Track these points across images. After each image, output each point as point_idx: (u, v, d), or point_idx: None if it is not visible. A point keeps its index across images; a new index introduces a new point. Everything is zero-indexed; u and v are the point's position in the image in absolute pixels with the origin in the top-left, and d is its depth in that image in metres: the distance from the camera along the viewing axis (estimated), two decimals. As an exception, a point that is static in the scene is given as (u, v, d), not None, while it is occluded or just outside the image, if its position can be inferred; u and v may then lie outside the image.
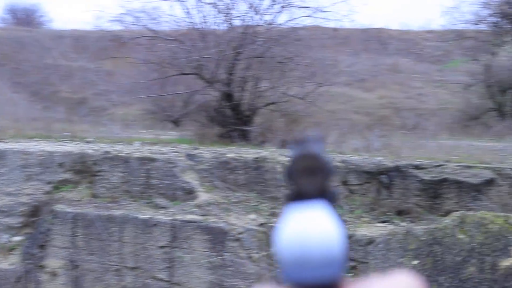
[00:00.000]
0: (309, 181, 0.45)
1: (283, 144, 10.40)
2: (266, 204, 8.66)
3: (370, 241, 7.48)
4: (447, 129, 16.59)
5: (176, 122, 17.16)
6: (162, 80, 12.93)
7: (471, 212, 5.19)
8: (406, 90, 22.66)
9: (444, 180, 7.97)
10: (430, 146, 11.40)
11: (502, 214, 5.09)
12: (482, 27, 20.16)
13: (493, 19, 19.55)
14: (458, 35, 20.92)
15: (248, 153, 9.35)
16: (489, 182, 7.79)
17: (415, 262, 5.07)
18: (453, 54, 23.87)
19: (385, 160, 9.08)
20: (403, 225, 7.97)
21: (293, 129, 11.83)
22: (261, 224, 8.28)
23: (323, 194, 0.45)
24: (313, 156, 0.46)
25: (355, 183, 8.90)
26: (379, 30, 27.38)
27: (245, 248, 7.97)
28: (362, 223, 8.21)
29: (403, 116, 20.22)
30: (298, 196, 0.45)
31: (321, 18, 11.69)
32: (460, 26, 20.83)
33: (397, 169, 8.55)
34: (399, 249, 5.22)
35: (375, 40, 26.95)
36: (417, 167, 8.38)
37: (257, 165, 8.95)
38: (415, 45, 26.88)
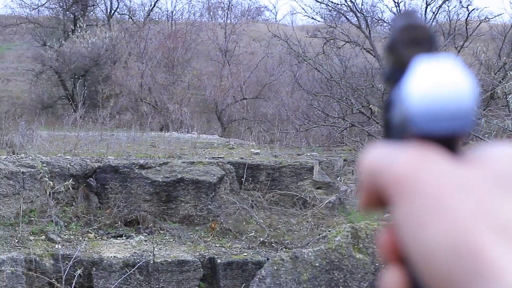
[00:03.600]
0: (416, 53, 0.41)
1: None
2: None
3: (126, 265, 6.13)
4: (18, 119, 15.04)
5: None
6: None
7: (362, 224, 4.81)
8: None
9: (181, 180, 7.19)
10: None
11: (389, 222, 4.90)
12: (47, 12, 19.04)
13: (63, 4, 18.59)
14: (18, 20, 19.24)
15: None
16: (221, 179, 7.47)
17: (316, 296, 4.40)
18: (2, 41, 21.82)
19: (90, 159, 7.56)
20: (140, 238, 6.84)
21: None
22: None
23: None
24: (420, 27, 0.42)
25: (61, 190, 7.11)
26: None
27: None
28: (92, 240, 6.64)
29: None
30: (402, 69, 0.42)
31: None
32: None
33: (115, 169, 7.24)
34: (292, 282, 4.41)
35: None
36: (143, 166, 7.28)
37: None
38: None
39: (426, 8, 11.76)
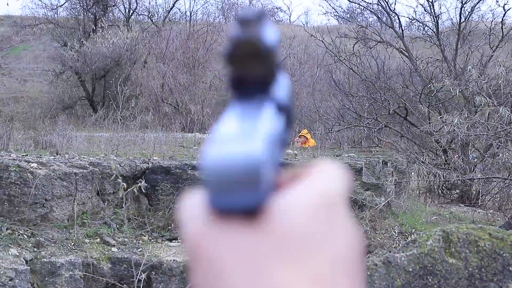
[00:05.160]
0: (249, 68, 0.40)
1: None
2: (22, 231, 5.86)
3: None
4: (37, 119, 14.96)
5: None
6: None
7: (453, 227, 4.61)
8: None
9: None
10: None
11: (477, 226, 4.72)
12: (65, 13, 18.88)
13: (83, 4, 18.34)
14: (35, 21, 19.08)
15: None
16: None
17: (409, 302, 4.21)
18: (15, 41, 21.66)
19: (138, 160, 7.38)
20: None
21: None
22: (29, 262, 5.59)
23: (266, 82, 0.41)
24: (255, 41, 0.40)
25: (110, 191, 6.95)
26: None
27: (20, 305, 5.22)
28: (147, 243, 6.46)
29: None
30: (238, 84, 0.41)
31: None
32: (40, 13, 19.00)
33: (166, 170, 7.06)
34: (384, 288, 4.23)
35: None
36: (195, 167, 7.10)
37: (-6, 174, 5.94)
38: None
39: (461, 8, 11.59)
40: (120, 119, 16.36)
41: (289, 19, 32.35)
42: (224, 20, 24.57)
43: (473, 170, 10.20)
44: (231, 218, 0.38)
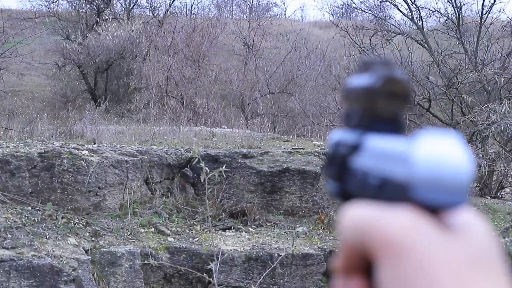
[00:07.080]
0: (391, 106, 0.42)
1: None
2: (77, 220, 5.57)
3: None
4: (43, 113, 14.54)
5: None
6: None
7: None
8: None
9: (286, 170, 6.79)
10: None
11: None
12: (64, 7, 18.44)
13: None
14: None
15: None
16: (322, 169, 7.10)
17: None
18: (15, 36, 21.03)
19: (182, 149, 7.13)
20: (251, 231, 6.44)
21: None
22: (88, 251, 5.33)
23: (397, 121, 0.43)
24: (401, 81, 0.43)
25: (157, 180, 6.70)
26: None
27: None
28: (201, 233, 6.22)
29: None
30: (370, 117, 0.43)
31: None
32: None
33: (214, 159, 6.81)
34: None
35: None
36: (245, 155, 6.87)
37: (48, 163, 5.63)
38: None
39: (483, 1, 11.54)
40: (127, 112, 16.03)
41: (284, 14, 32.18)
42: (219, 15, 24.33)
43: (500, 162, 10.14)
44: (427, 213, 0.40)
